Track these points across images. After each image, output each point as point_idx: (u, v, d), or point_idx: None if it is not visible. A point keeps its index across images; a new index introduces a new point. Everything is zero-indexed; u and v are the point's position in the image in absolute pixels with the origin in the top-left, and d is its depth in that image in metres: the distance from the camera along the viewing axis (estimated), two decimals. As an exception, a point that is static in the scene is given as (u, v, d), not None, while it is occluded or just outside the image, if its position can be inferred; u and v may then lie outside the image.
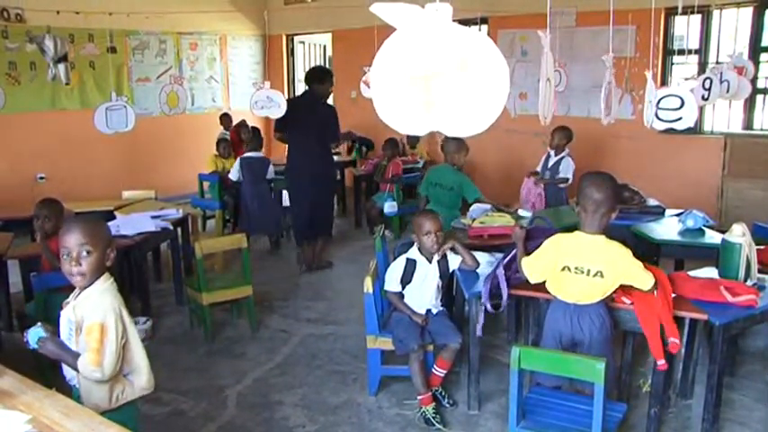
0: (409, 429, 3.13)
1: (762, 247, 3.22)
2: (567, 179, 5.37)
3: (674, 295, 2.78)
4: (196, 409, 3.34)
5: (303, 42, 9.92)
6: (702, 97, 4.23)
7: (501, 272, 2.99)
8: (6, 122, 6.80)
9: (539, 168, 5.58)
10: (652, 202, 4.57)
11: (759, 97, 6.10)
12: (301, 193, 5.38)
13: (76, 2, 6.74)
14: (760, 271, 3.07)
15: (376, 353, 3.40)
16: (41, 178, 7.21)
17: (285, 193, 6.12)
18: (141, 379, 2.12)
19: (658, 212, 4.40)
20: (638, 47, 6.27)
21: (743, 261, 2.97)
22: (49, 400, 1.85)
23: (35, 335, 2.05)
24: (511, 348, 2.36)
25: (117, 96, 4.75)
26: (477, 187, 4.69)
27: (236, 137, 7.36)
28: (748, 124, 6.23)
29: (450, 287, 3.66)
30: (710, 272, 3.14)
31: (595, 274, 2.60)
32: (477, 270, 3.31)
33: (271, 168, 6.20)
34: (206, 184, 6.74)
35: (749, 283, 2.95)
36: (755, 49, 5.98)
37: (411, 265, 3.31)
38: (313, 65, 9.48)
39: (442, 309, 3.40)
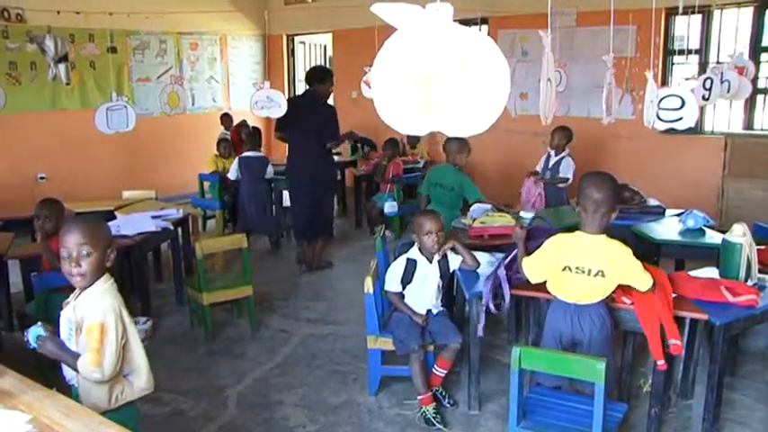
0: (409, 429, 3.13)
1: (762, 247, 3.22)
2: (567, 179, 5.36)
3: (674, 295, 2.78)
4: (196, 409, 3.34)
5: (303, 42, 9.91)
6: (703, 97, 4.24)
7: (502, 272, 3.00)
8: (7, 122, 6.81)
9: (539, 168, 5.58)
10: (652, 202, 4.57)
11: (759, 97, 6.10)
12: (301, 193, 5.38)
13: (77, 2, 6.75)
14: (760, 271, 3.08)
15: (376, 353, 3.40)
16: (42, 178, 7.21)
17: (285, 193, 6.13)
18: (141, 379, 2.12)
19: (659, 212, 4.39)
20: (639, 47, 6.28)
21: (743, 261, 2.97)
22: (50, 400, 1.85)
23: (35, 334, 2.05)
24: (511, 348, 2.36)
25: (117, 96, 4.76)
26: (478, 188, 4.69)
27: (237, 137, 7.37)
28: (749, 124, 6.23)
29: (450, 287, 3.66)
30: (711, 272, 3.14)
31: (596, 274, 2.60)
32: (478, 270, 3.31)
33: (269, 168, 6.20)
34: (206, 184, 6.74)
35: (750, 283, 2.95)
36: (756, 49, 5.98)
37: (411, 266, 3.31)
38: (313, 65, 9.48)
39: (442, 309, 3.40)
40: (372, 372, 3.44)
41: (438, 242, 3.26)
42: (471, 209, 4.34)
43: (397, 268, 3.33)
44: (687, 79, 4.77)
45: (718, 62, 5.89)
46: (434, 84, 1.51)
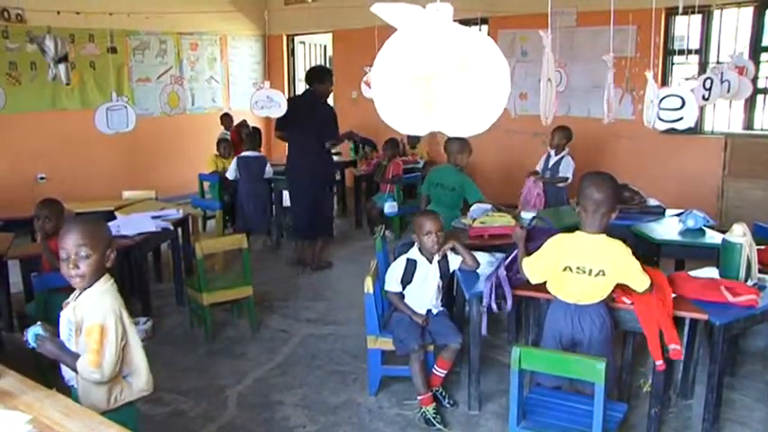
0: (409, 429, 3.13)
1: (762, 247, 3.22)
2: (567, 179, 5.36)
3: (674, 295, 2.78)
4: (196, 409, 3.34)
5: (303, 42, 9.92)
6: (703, 97, 4.24)
7: (502, 272, 2.99)
8: (7, 122, 6.80)
9: (538, 168, 5.58)
10: (652, 202, 4.57)
11: (759, 97, 6.10)
12: (301, 193, 5.39)
13: (77, 2, 6.75)
14: (760, 271, 3.07)
15: (376, 353, 3.40)
16: (42, 178, 7.21)
17: (285, 193, 6.12)
18: (140, 380, 2.12)
19: (659, 212, 4.39)
20: (639, 47, 6.28)
21: (743, 261, 2.97)
22: (50, 400, 1.85)
23: (34, 333, 2.05)
24: (511, 348, 2.36)
25: (117, 96, 4.76)
26: (478, 188, 4.69)
27: (237, 137, 7.36)
28: (749, 124, 6.24)
29: (450, 287, 3.66)
30: (711, 272, 3.14)
31: (597, 274, 2.60)
32: (478, 270, 3.31)
33: (268, 168, 6.20)
34: (206, 185, 6.74)
35: (750, 283, 2.95)
36: (756, 49, 5.99)
37: (411, 266, 3.31)
38: (313, 65, 9.48)
39: (442, 309, 3.40)
40: (372, 372, 3.44)
41: (438, 242, 3.26)
42: (471, 209, 4.34)
43: (396, 268, 3.33)
44: (687, 79, 4.76)
45: (718, 62, 5.90)
46: (434, 84, 1.51)
